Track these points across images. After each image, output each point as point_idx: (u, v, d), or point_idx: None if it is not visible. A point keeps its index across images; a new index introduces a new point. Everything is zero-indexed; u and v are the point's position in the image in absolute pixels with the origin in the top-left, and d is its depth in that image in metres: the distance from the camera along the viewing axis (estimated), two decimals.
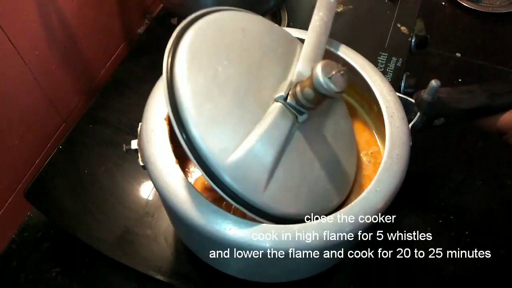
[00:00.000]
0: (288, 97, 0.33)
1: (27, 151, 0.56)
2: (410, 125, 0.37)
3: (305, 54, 0.36)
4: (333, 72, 0.29)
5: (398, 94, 0.38)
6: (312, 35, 0.36)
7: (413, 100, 0.37)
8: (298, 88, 0.32)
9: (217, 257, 0.41)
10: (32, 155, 0.58)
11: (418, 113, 0.37)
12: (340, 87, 0.29)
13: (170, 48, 0.31)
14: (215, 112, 0.30)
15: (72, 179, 0.55)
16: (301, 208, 0.31)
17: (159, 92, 0.37)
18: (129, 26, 0.71)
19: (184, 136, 0.29)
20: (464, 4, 0.85)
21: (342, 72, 0.29)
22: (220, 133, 0.30)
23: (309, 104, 0.32)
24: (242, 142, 0.30)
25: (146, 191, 0.54)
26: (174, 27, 0.81)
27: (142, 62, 0.67)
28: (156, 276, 0.48)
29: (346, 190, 0.36)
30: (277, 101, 0.33)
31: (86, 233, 0.51)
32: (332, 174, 0.34)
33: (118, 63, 0.69)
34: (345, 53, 0.40)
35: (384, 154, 0.34)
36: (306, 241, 0.30)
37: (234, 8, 0.36)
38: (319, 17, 0.37)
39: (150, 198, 0.53)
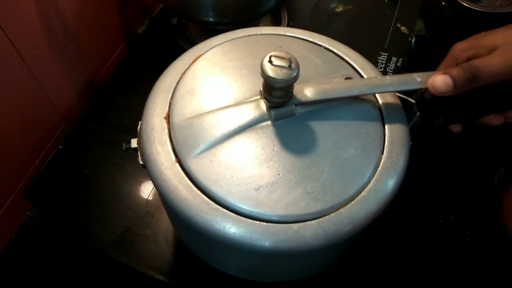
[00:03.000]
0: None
1: (27, 151, 0.56)
2: (410, 125, 0.37)
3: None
4: (278, 61, 0.30)
5: (398, 94, 0.38)
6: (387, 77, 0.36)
7: (413, 100, 0.37)
8: None
9: (217, 256, 0.41)
10: (32, 155, 0.58)
11: (418, 113, 0.37)
12: (278, 75, 0.30)
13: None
14: (203, 89, 0.36)
15: (72, 179, 0.55)
16: (229, 192, 0.31)
17: (159, 91, 0.37)
18: (129, 26, 0.71)
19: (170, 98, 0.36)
20: (464, 4, 0.85)
21: (290, 63, 0.30)
22: (192, 101, 0.36)
23: (269, 97, 0.33)
24: (205, 114, 0.34)
25: (146, 191, 0.54)
26: (174, 27, 0.81)
27: (142, 62, 0.67)
28: (156, 276, 0.48)
29: (323, 202, 0.31)
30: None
31: (86, 233, 0.51)
32: (304, 180, 0.32)
33: (118, 63, 0.69)
34: (346, 53, 0.40)
35: (384, 154, 0.34)
36: (305, 240, 0.30)
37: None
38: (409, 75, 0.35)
39: (150, 198, 0.53)
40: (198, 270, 0.48)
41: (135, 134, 0.38)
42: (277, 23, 0.71)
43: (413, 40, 0.68)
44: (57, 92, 0.58)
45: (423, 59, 0.74)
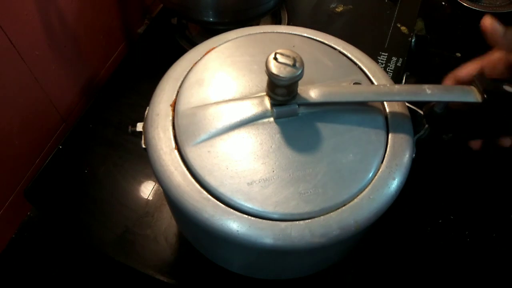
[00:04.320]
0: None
1: (27, 151, 0.56)
2: (416, 137, 0.36)
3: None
4: (283, 59, 0.31)
5: (407, 104, 0.37)
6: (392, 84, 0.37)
7: (422, 112, 0.36)
8: None
9: (208, 246, 0.41)
10: (32, 155, 0.58)
11: (426, 126, 0.36)
12: (281, 72, 0.30)
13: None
14: (213, 81, 0.37)
15: (72, 179, 0.55)
16: (221, 183, 0.31)
17: (169, 79, 0.37)
18: (129, 26, 0.71)
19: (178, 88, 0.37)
20: (464, 4, 0.85)
21: (294, 61, 0.30)
22: (199, 91, 0.36)
23: (273, 94, 0.33)
24: (209, 105, 0.35)
25: (146, 191, 0.54)
26: (174, 27, 0.81)
27: (142, 62, 0.67)
28: (156, 276, 0.48)
29: (316, 204, 0.31)
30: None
31: (86, 233, 0.51)
32: (298, 180, 0.32)
33: (118, 63, 0.69)
34: (359, 58, 0.40)
35: (383, 163, 0.33)
36: (291, 239, 0.30)
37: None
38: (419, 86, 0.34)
39: (150, 198, 0.53)
40: (198, 270, 0.48)
41: (135, 134, 0.38)
42: (277, 22, 0.71)
43: (413, 40, 0.68)
44: (57, 92, 0.58)
45: (423, 59, 0.74)
